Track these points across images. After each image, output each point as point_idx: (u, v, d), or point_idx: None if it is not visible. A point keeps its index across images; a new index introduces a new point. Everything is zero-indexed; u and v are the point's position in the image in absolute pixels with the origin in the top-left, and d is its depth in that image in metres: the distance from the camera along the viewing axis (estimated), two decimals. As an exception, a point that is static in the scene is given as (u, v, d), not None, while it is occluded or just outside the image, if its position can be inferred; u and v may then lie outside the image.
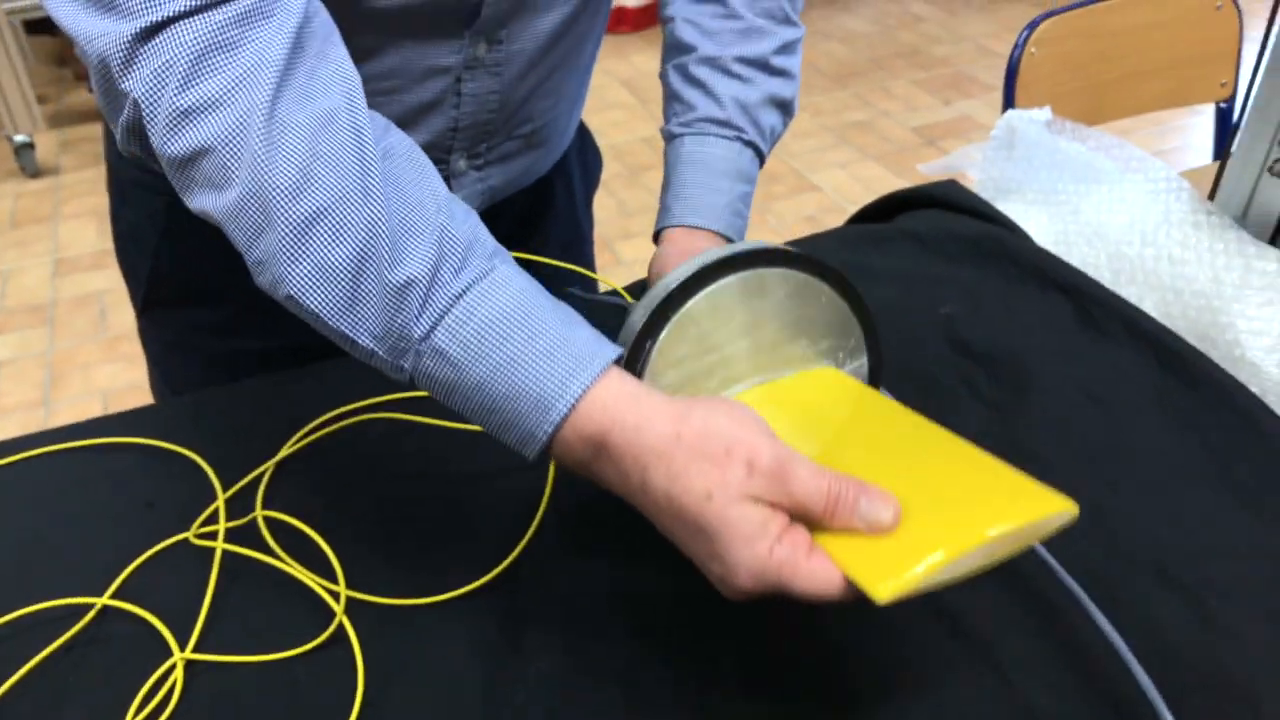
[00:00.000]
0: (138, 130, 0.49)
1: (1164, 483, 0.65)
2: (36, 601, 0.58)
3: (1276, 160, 0.80)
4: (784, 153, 2.74)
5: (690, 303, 0.52)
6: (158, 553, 0.61)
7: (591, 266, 0.99)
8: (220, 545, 0.60)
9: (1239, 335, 0.68)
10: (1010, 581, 0.58)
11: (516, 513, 0.62)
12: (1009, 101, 1.30)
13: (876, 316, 0.59)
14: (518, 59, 0.69)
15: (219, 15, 0.46)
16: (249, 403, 0.73)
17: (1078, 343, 0.74)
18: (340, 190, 0.46)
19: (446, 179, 0.74)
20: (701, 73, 0.72)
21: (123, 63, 0.47)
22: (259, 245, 0.47)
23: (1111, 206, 0.78)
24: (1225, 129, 1.52)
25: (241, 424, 0.71)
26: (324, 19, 0.51)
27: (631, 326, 0.54)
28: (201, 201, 0.49)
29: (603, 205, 1.61)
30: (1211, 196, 0.80)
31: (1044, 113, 0.85)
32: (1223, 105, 1.46)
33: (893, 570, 0.42)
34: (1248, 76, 0.77)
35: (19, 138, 2.72)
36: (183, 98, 0.46)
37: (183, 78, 0.46)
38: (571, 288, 0.71)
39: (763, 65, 0.73)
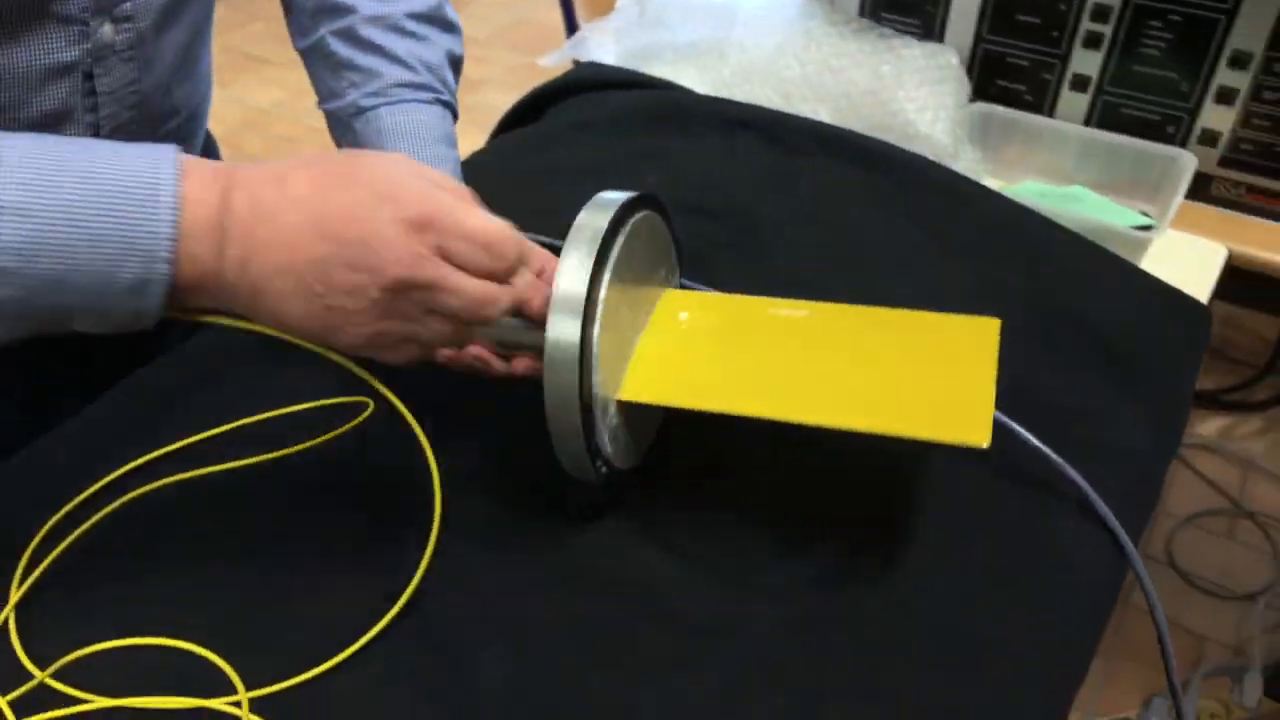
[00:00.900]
0: None
1: (900, 258, 0.69)
2: None
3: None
4: (296, 113, 2.56)
5: (617, 250, 0.49)
6: None
7: None
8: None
9: (908, 116, 0.73)
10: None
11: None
12: None
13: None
14: (151, 38, 0.58)
15: None
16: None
17: (779, 166, 0.75)
18: None
19: None
20: (373, 34, 0.65)
21: None
22: None
23: (756, 41, 0.80)
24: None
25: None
26: None
27: (569, 283, 0.48)
28: None
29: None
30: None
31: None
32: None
33: (971, 420, 0.48)
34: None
35: None
36: None
37: None
38: None
39: (436, 20, 0.67)
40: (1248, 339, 1.79)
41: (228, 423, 0.60)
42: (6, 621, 0.50)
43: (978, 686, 0.49)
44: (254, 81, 2.75)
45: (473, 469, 0.58)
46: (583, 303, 0.47)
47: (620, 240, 0.49)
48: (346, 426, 0.60)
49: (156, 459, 0.59)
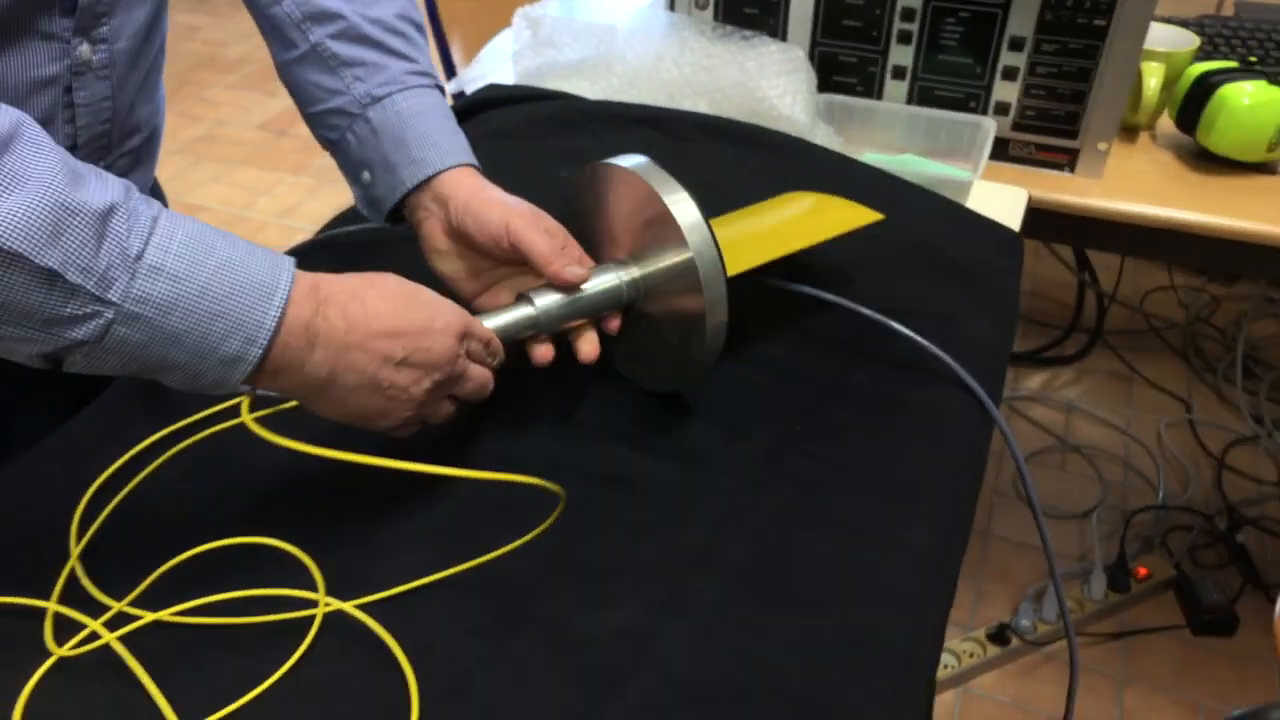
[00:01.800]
0: None
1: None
2: None
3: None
4: None
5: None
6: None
7: None
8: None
9: (772, 102, 0.88)
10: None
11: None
12: (438, 29, 1.39)
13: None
14: (123, 58, 0.66)
15: None
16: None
17: (673, 152, 0.89)
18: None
19: None
20: (374, 32, 0.69)
21: None
22: None
23: (637, 52, 0.94)
24: None
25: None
26: None
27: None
28: None
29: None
30: (671, 9, 1.01)
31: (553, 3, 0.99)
32: None
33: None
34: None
35: None
36: None
37: None
38: None
39: (416, 24, 0.72)
40: (1052, 305, 2.07)
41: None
42: (73, 571, 0.57)
43: (897, 511, 0.63)
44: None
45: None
46: (707, 227, 0.60)
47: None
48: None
49: (191, 424, 0.67)
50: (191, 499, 0.63)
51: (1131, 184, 1.01)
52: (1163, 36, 1.08)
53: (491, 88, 1.01)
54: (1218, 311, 2.06)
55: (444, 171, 0.67)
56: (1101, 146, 1.00)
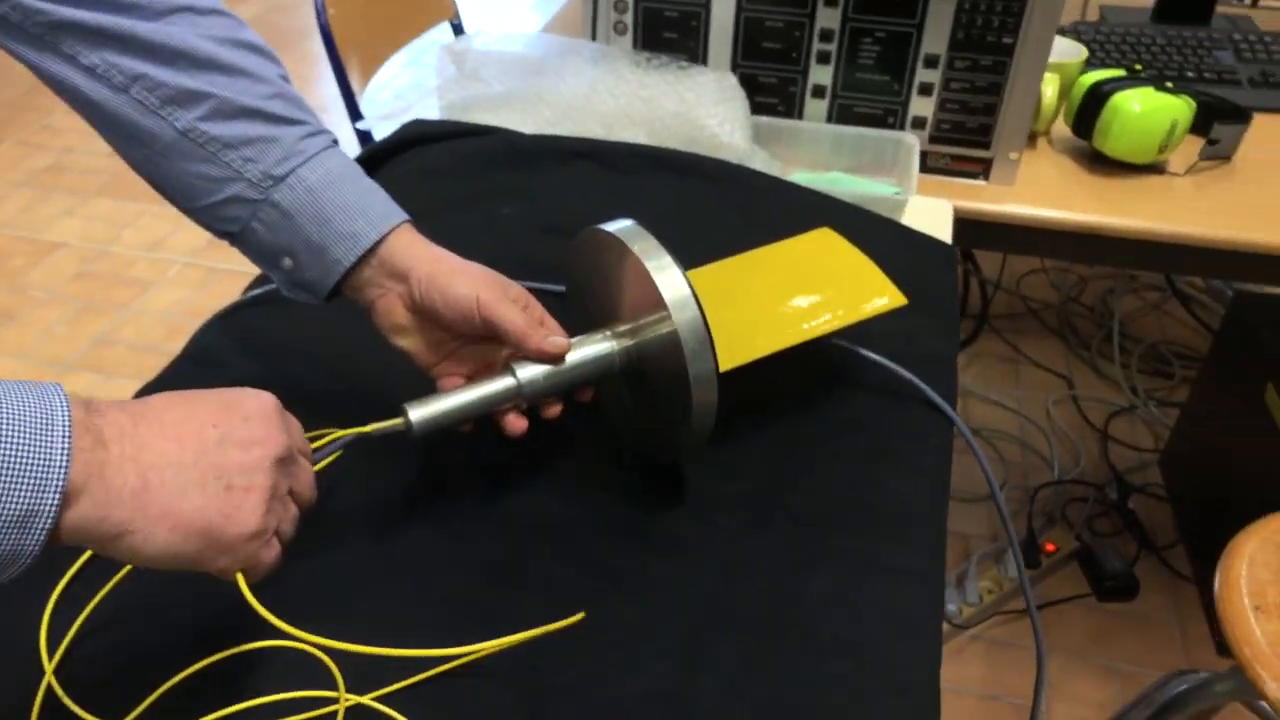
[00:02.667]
0: None
1: (721, 238, 0.83)
2: None
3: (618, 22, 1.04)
4: (6, 229, 2.40)
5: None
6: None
7: None
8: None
9: (713, 130, 0.89)
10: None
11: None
12: (336, 62, 1.34)
13: (457, 245, 0.65)
14: None
15: None
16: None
17: (615, 187, 0.89)
18: None
19: None
20: (251, 100, 0.60)
21: None
22: None
23: (568, 83, 0.93)
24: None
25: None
26: None
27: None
28: None
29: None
30: (593, 38, 1.01)
31: (476, 35, 0.96)
32: None
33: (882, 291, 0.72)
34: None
35: None
36: None
37: None
38: None
39: (284, 76, 0.63)
40: (939, 294, 2.15)
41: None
42: (50, 689, 0.53)
43: (895, 538, 0.64)
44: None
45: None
46: (694, 302, 0.57)
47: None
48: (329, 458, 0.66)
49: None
50: (174, 587, 0.59)
51: (1039, 189, 1.07)
52: (1055, 48, 1.15)
53: (416, 124, 0.98)
54: (1085, 290, 2.19)
55: (384, 240, 0.61)
56: (1013, 155, 1.05)
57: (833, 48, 1.03)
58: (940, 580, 0.65)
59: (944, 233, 0.96)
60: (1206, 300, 2.12)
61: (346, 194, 0.62)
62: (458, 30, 1.68)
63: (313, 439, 0.56)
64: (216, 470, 0.45)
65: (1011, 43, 0.98)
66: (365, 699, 0.53)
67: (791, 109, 1.07)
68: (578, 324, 0.64)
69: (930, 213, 0.99)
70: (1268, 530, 0.91)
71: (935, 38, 1.00)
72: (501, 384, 0.60)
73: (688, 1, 1.01)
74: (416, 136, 0.96)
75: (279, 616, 0.55)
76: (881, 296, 0.71)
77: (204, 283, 2.19)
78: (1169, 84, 1.06)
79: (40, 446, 0.39)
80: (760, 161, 0.93)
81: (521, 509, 0.65)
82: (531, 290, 0.64)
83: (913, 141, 1.00)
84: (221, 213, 0.61)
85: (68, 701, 0.52)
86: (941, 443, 0.74)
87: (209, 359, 0.76)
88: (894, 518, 0.66)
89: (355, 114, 1.24)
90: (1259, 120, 1.12)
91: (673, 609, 0.59)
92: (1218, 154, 1.10)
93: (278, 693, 0.53)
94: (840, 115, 1.06)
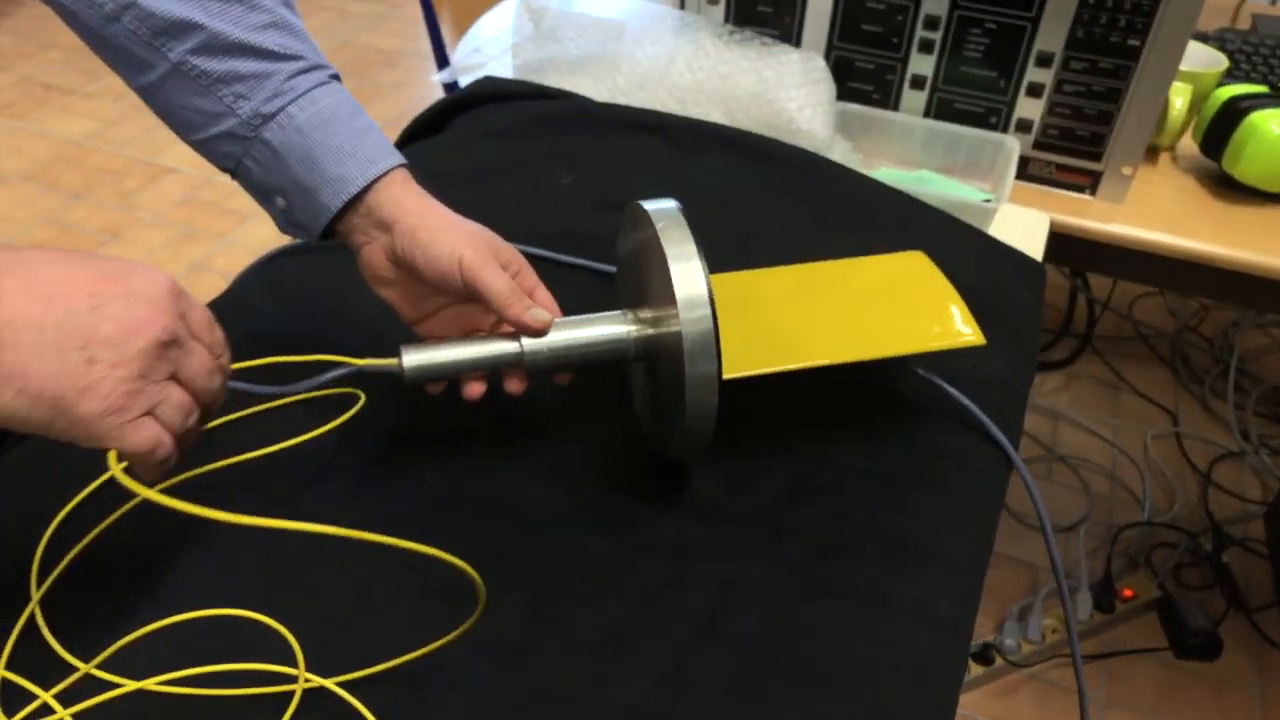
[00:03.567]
0: None
1: (786, 232, 0.79)
2: None
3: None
4: (115, 145, 2.46)
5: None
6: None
7: None
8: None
9: (791, 114, 0.83)
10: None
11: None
12: (429, 11, 1.30)
13: (502, 211, 0.63)
14: None
15: None
16: None
17: (681, 165, 0.84)
18: None
19: None
20: (243, 34, 0.57)
21: None
22: None
23: (647, 53, 0.88)
24: None
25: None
26: None
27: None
28: None
29: None
30: (682, 7, 0.95)
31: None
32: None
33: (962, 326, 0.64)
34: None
35: None
36: None
37: None
38: None
39: (286, 3, 0.60)
40: (1044, 308, 2.04)
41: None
42: (33, 617, 0.52)
43: (919, 577, 0.59)
44: (55, 113, 2.61)
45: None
46: (708, 300, 0.53)
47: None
48: (335, 422, 0.64)
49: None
50: (166, 539, 0.57)
51: (1153, 210, 0.97)
52: (1190, 55, 1.04)
53: (488, 81, 0.94)
54: (1205, 320, 2.04)
55: (371, 186, 0.58)
56: (1126, 170, 0.95)
57: (937, 36, 0.95)
58: (966, 630, 0.59)
59: (1035, 248, 0.88)
60: (1342, 346, 1.95)
61: (337, 134, 0.58)
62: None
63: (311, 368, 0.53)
64: (81, 340, 0.42)
65: (1138, 45, 0.89)
66: (328, 683, 0.50)
67: (887, 99, 1.00)
68: (621, 303, 0.61)
69: (1023, 224, 0.91)
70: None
71: (1052, 34, 0.91)
72: (503, 347, 0.57)
73: (787, -26, 0.95)
74: (489, 93, 0.93)
75: (257, 590, 0.54)
76: (957, 334, 0.64)
77: (301, 221, 2.23)
78: (1318, 106, 0.95)
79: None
80: (840, 153, 0.87)
81: (521, 493, 0.61)
82: (575, 267, 0.60)
83: (1013, 145, 0.92)
84: (216, 148, 0.59)
85: (48, 635, 0.51)
86: (993, 479, 0.67)
87: (241, 304, 0.75)
88: (922, 555, 0.60)
89: (443, 65, 1.22)
90: None
91: (662, 622, 0.55)
92: (1366, 189, 0.99)
93: (240, 663, 0.51)
94: (939, 110, 0.99)
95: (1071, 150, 0.97)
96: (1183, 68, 1.00)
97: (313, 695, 0.50)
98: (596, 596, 0.56)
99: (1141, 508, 1.65)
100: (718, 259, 0.77)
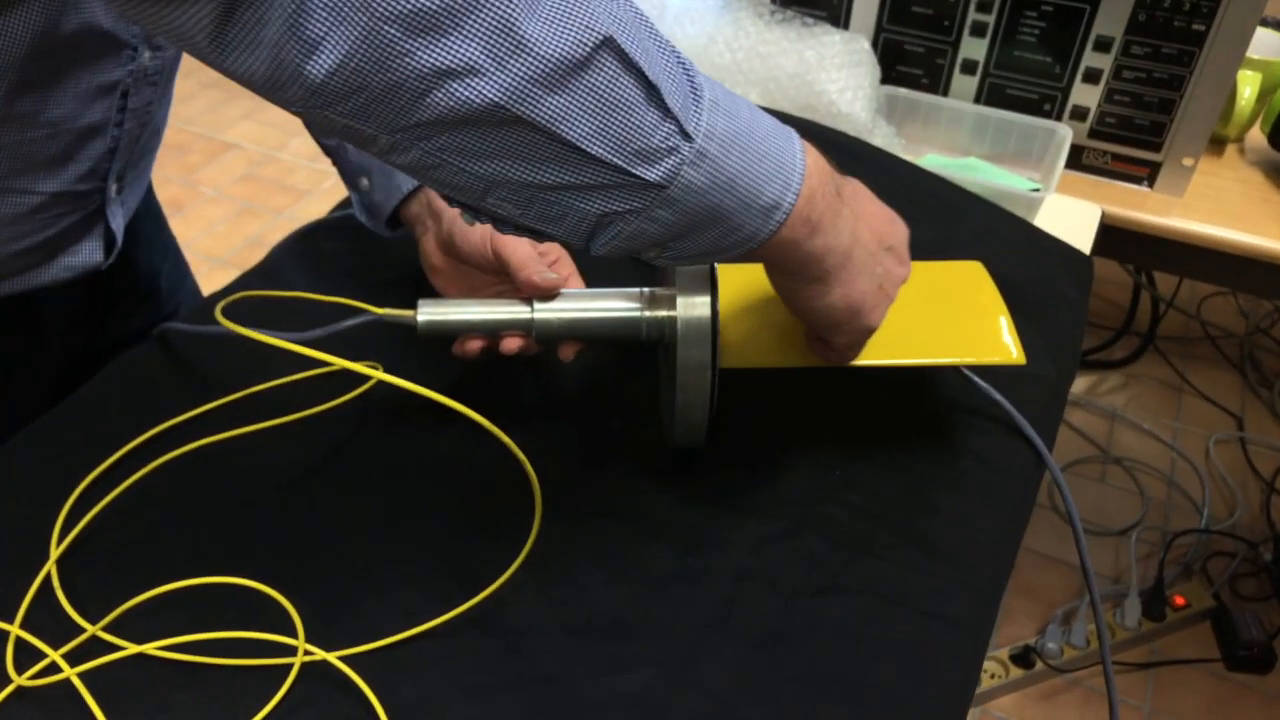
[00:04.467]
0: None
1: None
2: None
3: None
4: (182, 120, 2.51)
5: None
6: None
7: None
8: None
9: (831, 97, 0.81)
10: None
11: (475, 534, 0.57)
12: None
13: None
14: (170, 64, 0.64)
15: None
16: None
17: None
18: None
19: (100, 209, 0.65)
20: None
21: None
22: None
23: (688, 32, 0.87)
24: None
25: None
26: None
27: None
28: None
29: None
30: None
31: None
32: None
33: (1003, 343, 0.62)
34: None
35: None
36: None
37: None
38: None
39: None
40: (1104, 304, 1.98)
41: (237, 392, 0.64)
42: (49, 578, 0.53)
43: (940, 577, 0.57)
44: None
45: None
46: (709, 284, 0.53)
47: None
48: (352, 394, 0.64)
49: (181, 425, 0.62)
50: (181, 508, 0.58)
51: (1216, 204, 0.93)
52: (1261, 42, 0.99)
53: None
54: (1279, 323, 1.96)
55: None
56: (1187, 162, 0.91)
57: (990, 19, 0.92)
58: (984, 633, 0.57)
59: (1084, 241, 0.85)
60: None
61: None
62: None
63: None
64: (881, 269, 0.53)
65: (1203, 30, 0.85)
66: (329, 656, 0.50)
67: (937, 84, 0.97)
68: (659, 285, 0.60)
69: (1073, 216, 0.88)
70: None
71: (1111, 18, 0.88)
72: (515, 310, 0.57)
73: (836, -46, 0.92)
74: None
75: (264, 562, 0.54)
76: (997, 352, 0.62)
77: (356, 199, 2.26)
78: (1397, 98, 0.90)
79: (788, 151, 0.45)
80: (881, 137, 0.85)
81: (537, 472, 0.61)
82: None
83: (1065, 133, 0.89)
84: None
85: (61, 597, 0.52)
86: (1027, 479, 0.65)
87: (271, 274, 0.76)
88: (944, 554, 0.58)
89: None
90: None
91: (670, 612, 0.54)
92: None
93: (243, 631, 0.51)
94: (990, 96, 0.95)
95: (1129, 140, 0.93)
96: (1253, 55, 0.95)
97: (312, 668, 0.50)
98: (604, 583, 0.55)
99: (1199, 514, 1.60)
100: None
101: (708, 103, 0.42)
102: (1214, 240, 0.90)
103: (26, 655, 0.50)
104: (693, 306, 0.53)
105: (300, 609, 0.52)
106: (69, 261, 0.65)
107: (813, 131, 0.83)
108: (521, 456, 0.53)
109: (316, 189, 2.27)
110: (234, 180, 2.30)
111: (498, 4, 0.35)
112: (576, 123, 0.39)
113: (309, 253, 0.79)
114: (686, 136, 0.41)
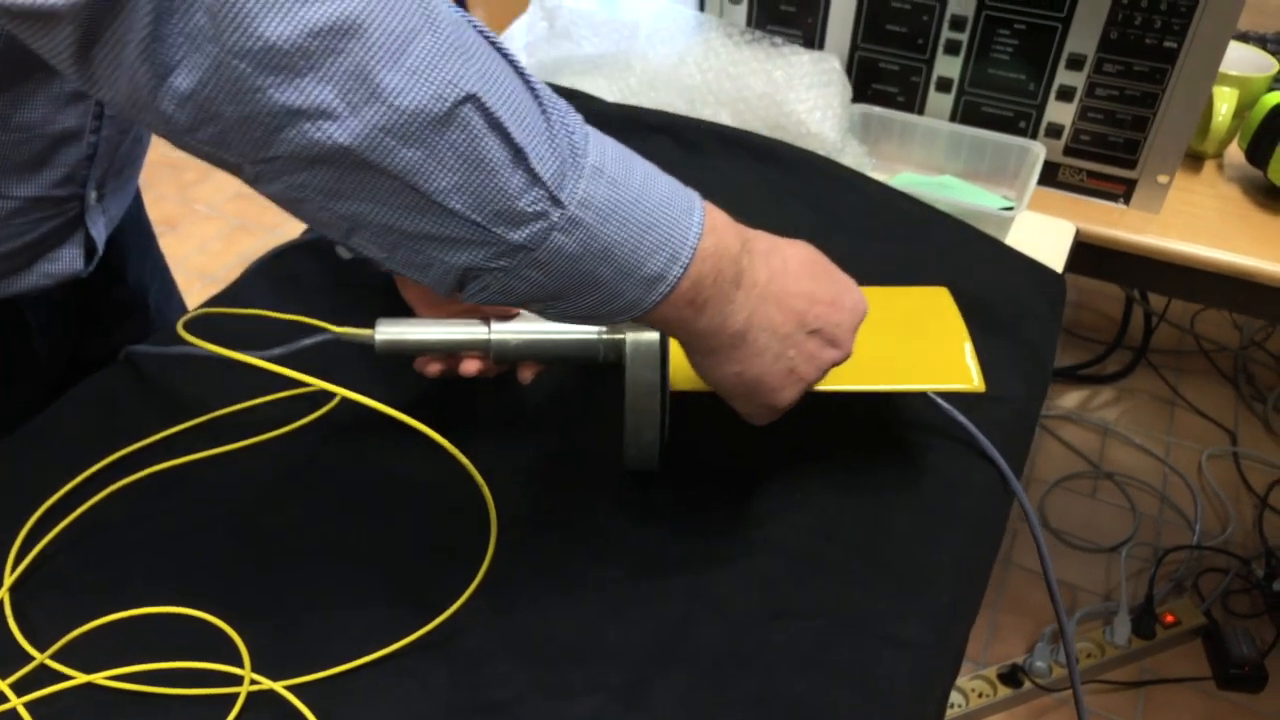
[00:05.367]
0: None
1: (798, 237, 0.76)
2: None
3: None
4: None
5: None
6: None
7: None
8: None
9: (800, 116, 0.81)
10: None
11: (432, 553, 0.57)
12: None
13: None
14: None
15: None
16: None
17: (688, 164, 0.82)
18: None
19: (79, 216, 0.65)
20: None
21: None
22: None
23: (659, 52, 0.87)
24: None
25: None
26: None
27: None
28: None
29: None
30: (701, 9, 0.94)
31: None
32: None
33: (962, 370, 0.61)
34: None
35: None
36: None
37: None
38: None
39: None
40: (1097, 318, 1.97)
41: (198, 416, 0.64)
42: (1, 605, 0.53)
43: (898, 601, 0.56)
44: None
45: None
46: None
47: None
48: (315, 415, 0.64)
49: (140, 450, 0.62)
50: (135, 533, 0.58)
51: (1192, 221, 0.93)
52: (1237, 58, 0.99)
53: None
54: (1273, 336, 1.95)
55: None
56: (1162, 179, 0.91)
57: (964, 37, 0.92)
58: (946, 656, 0.57)
59: (1057, 258, 0.85)
60: None
61: None
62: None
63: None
64: (795, 352, 0.50)
65: (1175, 48, 0.85)
66: (276, 685, 0.50)
67: (912, 102, 0.97)
68: None
69: (1047, 233, 0.88)
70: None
71: (1083, 35, 0.87)
72: (471, 331, 0.57)
73: (810, -27, 0.92)
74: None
75: (215, 589, 0.54)
76: (958, 378, 0.62)
77: (350, 216, 2.26)
78: (1373, 114, 0.90)
79: (681, 225, 0.44)
80: (852, 156, 0.85)
81: (491, 493, 0.61)
82: None
83: (1038, 151, 0.89)
84: None
85: (12, 623, 0.52)
86: (988, 505, 0.64)
87: (243, 295, 0.76)
88: (904, 577, 0.58)
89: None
90: None
91: (621, 634, 0.53)
92: None
93: (190, 661, 0.51)
94: (965, 114, 0.95)
95: (1104, 157, 0.93)
96: (1230, 71, 0.95)
97: (261, 697, 0.50)
98: (557, 606, 0.55)
99: (1192, 530, 1.58)
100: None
101: (589, 169, 0.41)
102: (1188, 258, 0.90)
103: (-27, 681, 0.49)
104: (643, 329, 0.53)
105: (250, 636, 0.52)
106: (49, 269, 0.65)
107: (780, 152, 0.84)
108: (478, 477, 0.53)
109: (310, 206, 2.28)
110: (228, 198, 2.31)
111: (357, 50, 0.35)
112: (434, 177, 0.38)
113: (282, 273, 0.79)
114: (557, 203, 0.40)
